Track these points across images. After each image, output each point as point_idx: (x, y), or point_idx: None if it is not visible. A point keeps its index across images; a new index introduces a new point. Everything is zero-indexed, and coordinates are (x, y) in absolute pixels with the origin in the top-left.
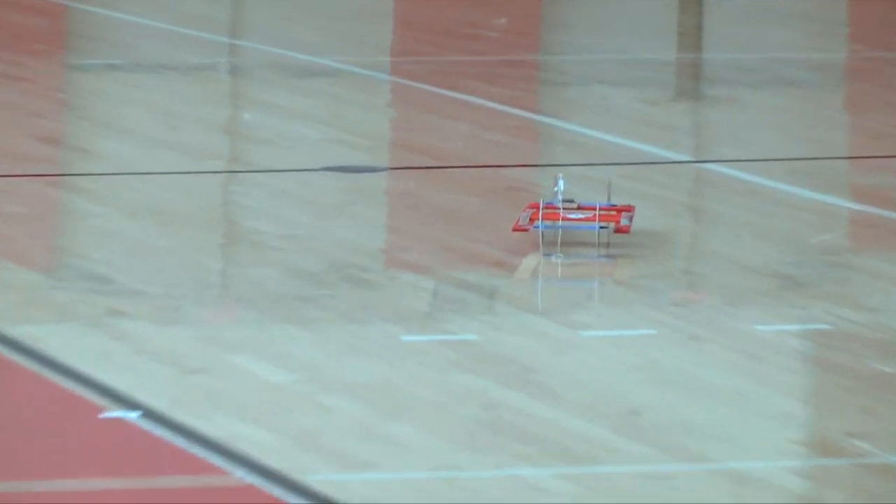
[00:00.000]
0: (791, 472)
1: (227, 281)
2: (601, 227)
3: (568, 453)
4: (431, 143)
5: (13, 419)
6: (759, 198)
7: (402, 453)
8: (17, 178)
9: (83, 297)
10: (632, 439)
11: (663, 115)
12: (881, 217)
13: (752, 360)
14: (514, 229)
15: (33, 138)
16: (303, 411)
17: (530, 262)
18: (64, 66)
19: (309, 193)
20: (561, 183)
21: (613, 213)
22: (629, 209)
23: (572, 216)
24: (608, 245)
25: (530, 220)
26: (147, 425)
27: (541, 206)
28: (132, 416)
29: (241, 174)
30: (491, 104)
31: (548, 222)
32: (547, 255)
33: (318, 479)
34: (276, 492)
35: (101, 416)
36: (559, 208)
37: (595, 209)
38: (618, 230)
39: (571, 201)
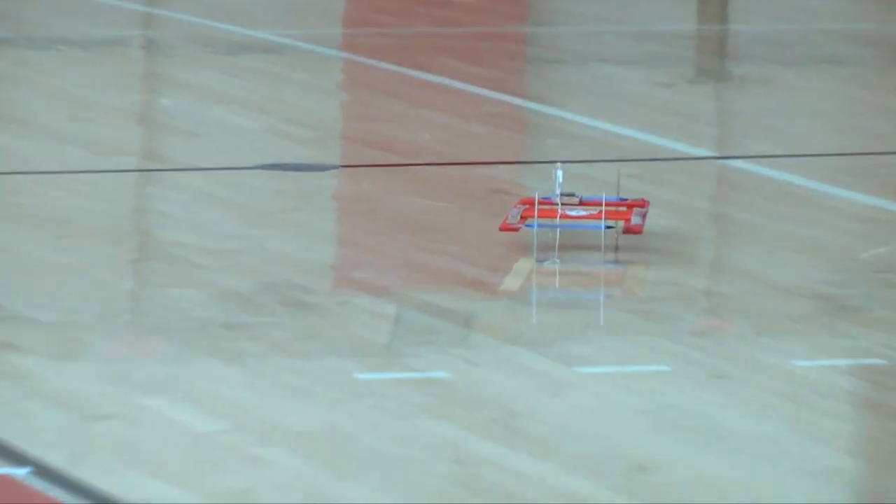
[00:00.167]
0: None
1: (141, 306)
2: (608, 227)
3: None
4: (393, 134)
5: None
6: (796, 202)
7: None
8: None
9: None
10: (640, 501)
11: (679, 101)
12: None
13: (789, 403)
14: (503, 228)
15: None
16: (233, 467)
17: (521, 268)
18: None
19: (241, 197)
20: (559, 174)
21: (623, 209)
22: (642, 204)
23: (573, 213)
24: (616, 248)
25: (522, 217)
26: (40, 484)
27: (535, 201)
28: (20, 472)
29: (157, 173)
30: (467, 87)
31: (543, 220)
32: (541, 260)
33: None
34: None
35: None
36: (557, 204)
37: (600, 204)
38: (627, 230)
39: (572, 195)
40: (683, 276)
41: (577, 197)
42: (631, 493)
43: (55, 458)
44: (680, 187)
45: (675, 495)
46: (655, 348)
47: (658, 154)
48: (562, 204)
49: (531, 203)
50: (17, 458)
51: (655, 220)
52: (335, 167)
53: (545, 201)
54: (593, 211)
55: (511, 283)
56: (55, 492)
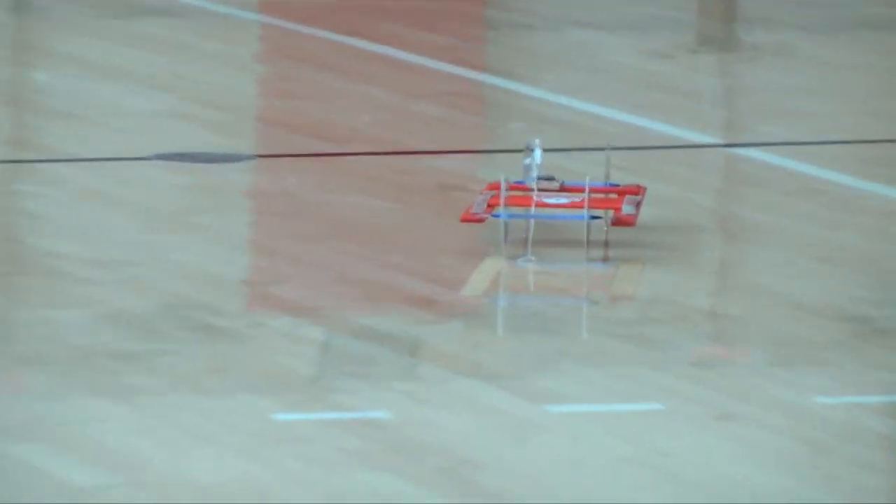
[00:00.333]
0: None
1: (9, 331)
2: (593, 218)
3: None
4: (324, 117)
5: None
6: (820, 199)
7: None
8: None
9: None
10: None
11: (678, 75)
12: None
13: (812, 448)
14: (465, 219)
15: None
16: None
17: (488, 268)
18: None
19: (134, 195)
20: (537, 152)
21: (612, 196)
22: (636, 191)
23: (551, 201)
24: (605, 244)
25: (488, 205)
26: None
27: (503, 186)
28: None
29: (29, 165)
30: (415, 58)
31: (515, 209)
32: (512, 258)
33: None
34: None
35: None
36: (532, 189)
37: (584, 191)
38: (617, 222)
39: (552, 178)
40: (682, 291)
41: (557, 182)
42: None
43: None
44: (679, 182)
45: None
46: (647, 381)
47: (651, 141)
48: (539, 189)
49: (499, 188)
50: None
51: (650, 219)
52: (251, 157)
53: (517, 186)
54: (576, 198)
55: (475, 286)
56: None
